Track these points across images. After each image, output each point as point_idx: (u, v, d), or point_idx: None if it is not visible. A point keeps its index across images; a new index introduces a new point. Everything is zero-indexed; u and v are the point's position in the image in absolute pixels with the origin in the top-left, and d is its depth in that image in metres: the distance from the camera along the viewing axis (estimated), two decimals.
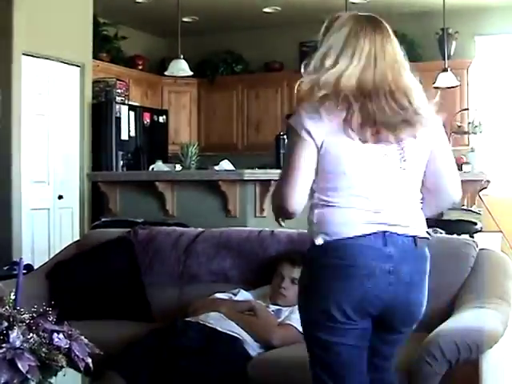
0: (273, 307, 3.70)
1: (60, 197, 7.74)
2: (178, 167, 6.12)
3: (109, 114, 8.25)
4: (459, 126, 8.31)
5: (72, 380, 2.65)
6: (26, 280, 3.32)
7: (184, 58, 7.77)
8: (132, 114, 8.59)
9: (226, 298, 3.83)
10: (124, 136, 8.41)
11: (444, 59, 8.37)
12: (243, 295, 3.85)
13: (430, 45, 9.10)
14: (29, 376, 2.07)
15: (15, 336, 2.12)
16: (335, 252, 2.35)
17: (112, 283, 4.23)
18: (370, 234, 2.34)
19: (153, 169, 6.34)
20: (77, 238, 6.86)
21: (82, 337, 2.28)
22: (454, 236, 4.44)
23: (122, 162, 8.33)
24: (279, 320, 3.61)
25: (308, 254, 2.46)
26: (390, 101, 2.35)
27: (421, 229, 2.44)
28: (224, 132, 10.23)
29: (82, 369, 2.22)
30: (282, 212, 2.48)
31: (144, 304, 4.19)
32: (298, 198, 2.40)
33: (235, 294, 3.86)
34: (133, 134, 8.58)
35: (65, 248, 4.81)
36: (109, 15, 8.96)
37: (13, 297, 2.31)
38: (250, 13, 9.37)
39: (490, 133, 8.86)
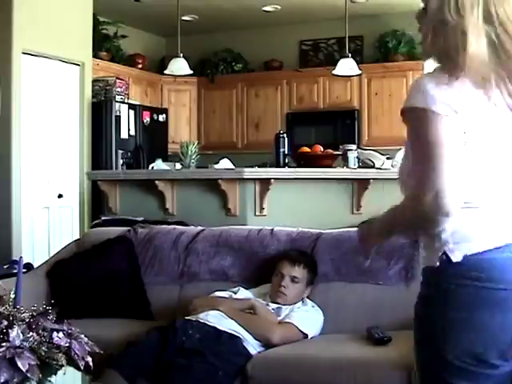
0: (273, 306, 3.70)
1: (60, 195, 7.74)
2: (178, 166, 6.12)
3: (108, 112, 8.24)
4: None
5: (72, 379, 2.65)
6: (26, 279, 3.32)
7: (184, 57, 7.77)
8: (132, 112, 8.59)
9: (226, 296, 3.83)
10: (124, 135, 8.41)
11: None
12: (243, 294, 3.85)
13: None
14: (29, 375, 2.07)
15: (15, 335, 2.13)
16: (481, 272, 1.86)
17: (112, 282, 4.23)
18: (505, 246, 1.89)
19: (153, 167, 6.33)
20: (77, 236, 6.87)
21: (82, 335, 2.28)
22: None
23: (121, 161, 8.32)
24: (279, 318, 3.62)
25: (435, 275, 1.94)
26: None
27: None
28: (224, 131, 10.23)
29: (81, 367, 2.22)
30: (432, 218, 1.83)
31: (144, 302, 4.19)
32: (456, 189, 1.81)
33: (235, 293, 3.86)
34: (132, 132, 8.57)
35: (65, 247, 4.81)
36: (109, 14, 8.96)
37: (13, 295, 2.31)
38: (249, 11, 9.37)
39: None
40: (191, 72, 8.06)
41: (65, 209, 7.82)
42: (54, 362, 2.15)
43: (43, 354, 2.13)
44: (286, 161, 6.14)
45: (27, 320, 2.21)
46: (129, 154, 8.44)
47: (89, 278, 4.25)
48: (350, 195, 5.61)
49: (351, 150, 5.80)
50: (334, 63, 8.02)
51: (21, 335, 2.14)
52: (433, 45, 1.92)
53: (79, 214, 7.95)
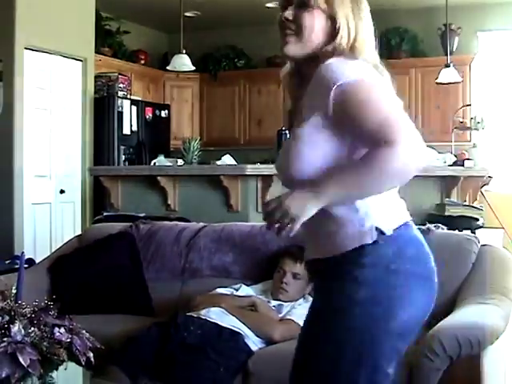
0: (274, 302, 3.70)
1: (62, 191, 7.74)
2: (180, 162, 6.12)
3: (111, 108, 8.24)
4: (461, 122, 8.30)
5: (73, 374, 2.65)
6: (28, 274, 3.31)
7: (186, 53, 7.78)
8: (134, 108, 8.59)
9: (228, 293, 3.83)
10: (126, 130, 8.41)
11: (446, 55, 8.37)
12: (245, 290, 3.85)
13: (432, 41, 9.09)
14: (30, 370, 2.07)
15: (17, 330, 2.13)
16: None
17: (113, 278, 4.23)
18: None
19: (155, 163, 6.34)
20: (78, 232, 6.87)
21: (84, 331, 2.28)
22: (456, 232, 4.43)
23: (123, 157, 8.33)
24: (280, 315, 3.62)
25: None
26: None
27: None
28: (226, 127, 10.22)
29: (83, 363, 2.23)
30: (411, 173, 1.81)
31: (145, 298, 4.19)
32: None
33: (237, 289, 3.86)
34: (135, 128, 8.57)
35: (66, 242, 4.82)
36: (111, 9, 8.96)
37: (14, 291, 2.31)
38: (252, 8, 9.36)
39: (493, 129, 8.84)
40: (193, 68, 8.07)
41: (67, 204, 7.82)
42: (56, 358, 2.15)
43: (44, 349, 2.13)
44: None
45: (29, 315, 2.21)
46: (131, 149, 8.45)
47: (90, 274, 4.25)
48: None
49: None
50: None
51: (22, 330, 2.14)
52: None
53: (81, 209, 7.95)
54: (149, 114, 8.89)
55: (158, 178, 5.63)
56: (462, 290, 3.46)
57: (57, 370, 2.24)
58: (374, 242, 1.91)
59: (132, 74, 9.30)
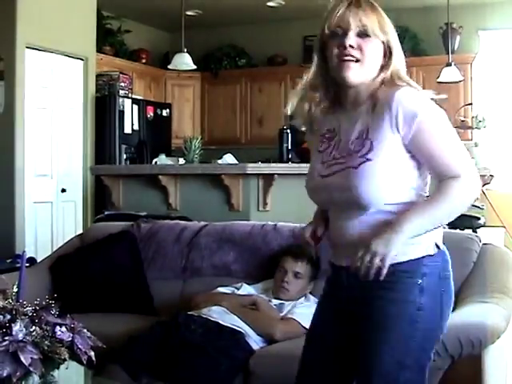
0: (275, 301, 3.70)
1: (63, 190, 7.74)
2: (182, 161, 6.13)
3: (112, 107, 8.25)
4: (463, 121, 8.31)
5: (74, 373, 2.65)
6: (29, 273, 3.31)
7: (187, 52, 7.77)
8: (135, 107, 8.59)
9: (229, 292, 3.83)
10: (127, 129, 8.41)
11: (448, 54, 8.36)
12: (246, 289, 3.86)
13: (433, 39, 9.09)
14: (31, 369, 2.07)
15: (18, 329, 2.13)
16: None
17: (115, 277, 4.23)
18: None
19: (156, 162, 6.34)
20: (80, 231, 6.88)
21: (85, 330, 2.28)
22: (457, 231, 4.43)
23: (125, 156, 8.33)
24: (282, 314, 3.62)
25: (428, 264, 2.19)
26: None
27: None
28: (227, 126, 10.22)
29: (84, 362, 2.23)
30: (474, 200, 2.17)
31: (147, 297, 4.19)
32: None
33: (238, 288, 3.86)
34: (136, 127, 8.57)
35: (68, 241, 4.82)
36: (112, 8, 8.96)
37: (16, 290, 2.31)
38: (253, 7, 9.36)
39: (494, 128, 8.84)
40: (195, 67, 8.06)
41: (68, 203, 7.83)
42: (57, 357, 2.15)
43: (46, 348, 2.14)
44: (290, 156, 6.14)
45: (30, 314, 2.21)
46: (132, 148, 8.45)
47: (91, 273, 4.25)
48: None
49: None
50: None
51: (24, 329, 2.14)
52: None
53: (82, 208, 7.96)
54: (150, 113, 8.89)
55: (160, 176, 5.62)
56: (463, 288, 3.45)
57: (58, 368, 2.24)
58: (431, 255, 2.16)
59: (133, 72, 9.30)
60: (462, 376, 2.87)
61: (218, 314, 3.56)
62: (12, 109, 7.01)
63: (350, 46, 2.12)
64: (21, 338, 2.11)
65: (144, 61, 9.81)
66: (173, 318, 3.59)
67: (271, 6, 9.37)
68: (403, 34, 9.15)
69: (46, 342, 2.15)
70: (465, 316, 3.03)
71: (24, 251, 2.55)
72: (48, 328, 2.19)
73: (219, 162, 6.02)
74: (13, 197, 7.02)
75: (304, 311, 3.61)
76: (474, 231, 5.48)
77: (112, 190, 5.95)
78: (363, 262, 2.05)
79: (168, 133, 9.40)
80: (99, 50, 8.49)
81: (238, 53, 10.26)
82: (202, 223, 4.51)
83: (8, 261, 5.74)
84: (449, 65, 8.13)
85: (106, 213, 5.75)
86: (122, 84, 8.54)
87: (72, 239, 4.81)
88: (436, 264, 2.17)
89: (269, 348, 3.47)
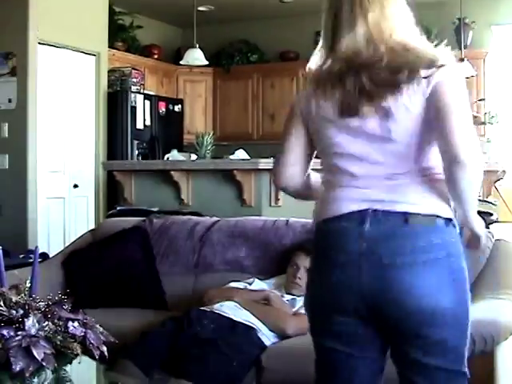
0: (287, 297, 3.70)
1: (75, 186, 7.76)
2: (194, 156, 6.12)
3: (124, 103, 8.25)
4: (475, 117, 8.26)
5: (87, 368, 2.66)
6: (42, 268, 3.32)
7: (199, 48, 7.78)
8: (147, 103, 8.60)
9: (241, 287, 3.83)
10: (139, 125, 8.42)
11: (461, 49, 8.33)
12: (258, 285, 3.86)
13: (446, 35, 8.96)
14: (44, 364, 2.08)
15: (31, 324, 2.13)
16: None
17: (127, 272, 4.24)
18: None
19: (168, 158, 6.34)
20: (92, 226, 6.89)
21: (97, 325, 2.28)
22: None
23: (137, 151, 8.34)
24: (294, 309, 3.62)
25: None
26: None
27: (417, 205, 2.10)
28: (239, 121, 10.22)
29: (96, 357, 2.23)
30: None
31: (159, 293, 4.20)
32: None
33: (250, 284, 3.86)
34: (148, 123, 8.58)
35: (80, 236, 4.83)
36: (124, 4, 8.97)
37: (28, 285, 2.32)
38: (265, 2, 9.35)
39: (507, 123, 8.80)
40: (207, 62, 8.06)
41: (80, 199, 7.84)
42: (70, 352, 2.16)
43: (59, 343, 2.14)
44: None
45: (43, 309, 2.22)
46: (144, 144, 8.46)
47: (104, 268, 4.26)
48: None
49: None
50: None
51: (36, 324, 2.14)
52: None
53: (94, 204, 7.97)
54: (162, 109, 8.90)
55: (172, 172, 5.63)
56: (475, 285, 3.43)
57: (71, 363, 2.25)
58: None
59: (145, 68, 9.31)
60: (475, 373, 2.85)
61: (231, 310, 3.56)
62: (24, 105, 7.02)
63: None
64: (34, 333, 2.12)
65: (156, 56, 9.81)
66: (185, 313, 3.59)
67: (283, 1, 9.36)
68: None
69: (59, 337, 2.15)
70: (477, 312, 3.02)
71: (37, 246, 2.56)
72: (60, 323, 2.19)
73: (231, 157, 6.02)
74: (25, 192, 7.04)
75: None
76: (487, 227, 5.45)
77: (124, 185, 5.96)
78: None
79: (180, 128, 9.41)
80: (111, 45, 8.50)
81: (250, 48, 10.25)
82: (214, 219, 4.51)
83: (21, 256, 5.75)
84: (461, 60, 8.09)
85: (118, 208, 5.76)
86: (134, 80, 8.55)
87: (84, 234, 4.82)
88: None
89: (281, 343, 3.47)
